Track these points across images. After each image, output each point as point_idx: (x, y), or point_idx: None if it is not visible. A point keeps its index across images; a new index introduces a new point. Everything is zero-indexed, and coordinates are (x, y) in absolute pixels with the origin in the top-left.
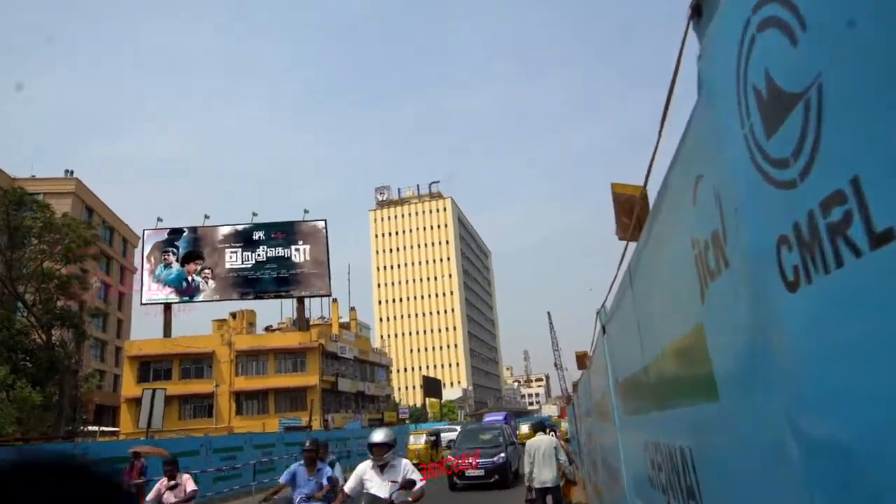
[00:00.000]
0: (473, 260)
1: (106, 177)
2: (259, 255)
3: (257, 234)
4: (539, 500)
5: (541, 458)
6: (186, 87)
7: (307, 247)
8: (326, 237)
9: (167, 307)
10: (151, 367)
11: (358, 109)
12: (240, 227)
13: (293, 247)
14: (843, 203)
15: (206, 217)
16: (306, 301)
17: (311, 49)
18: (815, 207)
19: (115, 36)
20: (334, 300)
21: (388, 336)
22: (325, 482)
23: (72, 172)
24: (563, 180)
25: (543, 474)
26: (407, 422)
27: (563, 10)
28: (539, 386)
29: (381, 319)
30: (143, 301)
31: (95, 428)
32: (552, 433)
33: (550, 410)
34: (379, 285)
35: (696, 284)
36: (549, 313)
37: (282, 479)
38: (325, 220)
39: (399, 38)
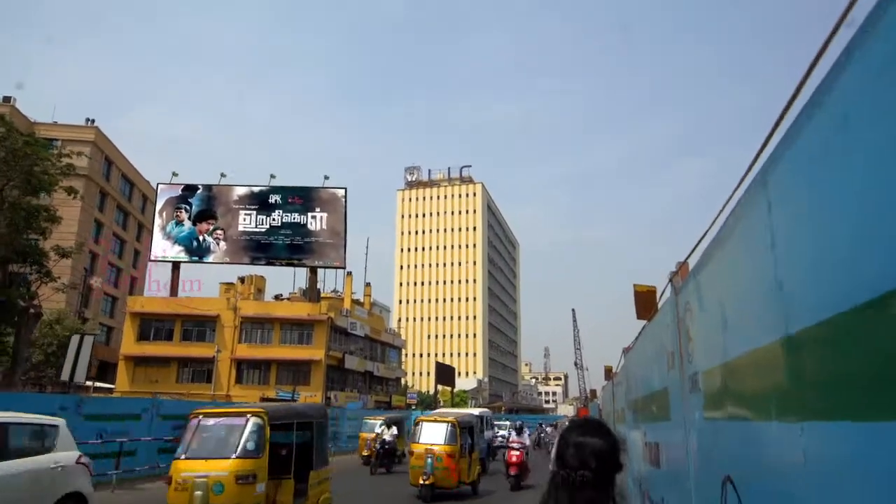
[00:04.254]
0: (500, 249)
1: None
2: (274, 219)
3: (273, 198)
4: None
5: None
6: (225, 70)
7: (324, 215)
8: (345, 206)
9: (175, 266)
10: (153, 326)
11: (397, 96)
12: (256, 189)
13: (310, 214)
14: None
15: (223, 175)
16: (319, 272)
17: (349, 42)
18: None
19: (159, 20)
20: (349, 273)
21: (407, 319)
22: None
23: (93, 121)
24: (602, 188)
25: None
26: (413, 407)
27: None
28: (557, 385)
29: (400, 302)
30: (152, 257)
31: (90, 383)
32: None
33: (566, 410)
34: (401, 267)
35: None
36: (573, 310)
37: None
38: (346, 189)
39: (444, 36)
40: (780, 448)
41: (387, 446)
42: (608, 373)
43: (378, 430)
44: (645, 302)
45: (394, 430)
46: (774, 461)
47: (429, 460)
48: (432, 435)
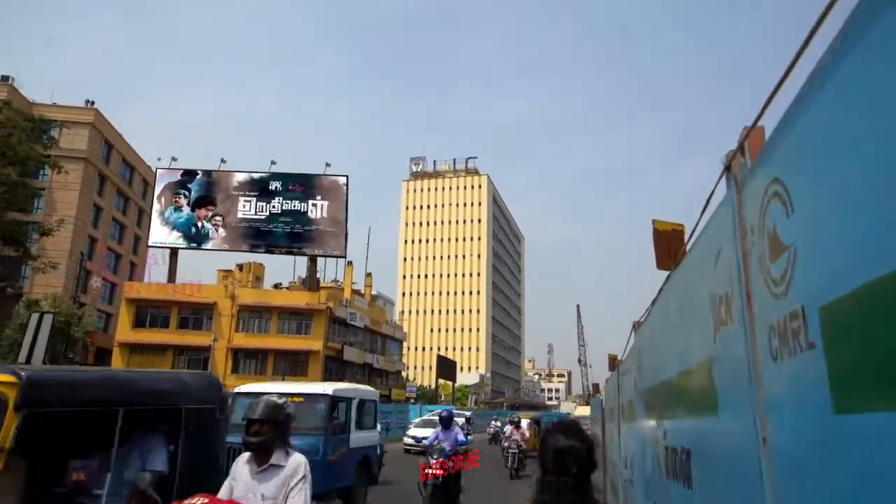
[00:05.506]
0: (505, 243)
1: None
2: (274, 206)
3: (274, 184)
4: None
5: None
6: (235, 57)
7: (325, 203)
8: (347, 195)
9: (174, 252)
10: (149, 313)
11: (404, 89)
12: (256, 175)
13: (311, 201)
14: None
15: (223, 161)
16: (319, 261)
17: (357, 31)
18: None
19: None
20: (349, 263)
21: (410, 312)
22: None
23: (92, 103)
24: (607, 184)
25: None
26: (411, 401)
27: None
28: (560, 381)
29: (403, 294)
30: (150, 243)
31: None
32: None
33: (569, 408)
34: (405, 259)
35: None
36: (578, 306)
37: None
38: (347, 177)
39: (460, 27)
40: None
41: None
42: (612, 361)
43: None
44: (669, 244)
45: None
46: None
47: None
48: None
